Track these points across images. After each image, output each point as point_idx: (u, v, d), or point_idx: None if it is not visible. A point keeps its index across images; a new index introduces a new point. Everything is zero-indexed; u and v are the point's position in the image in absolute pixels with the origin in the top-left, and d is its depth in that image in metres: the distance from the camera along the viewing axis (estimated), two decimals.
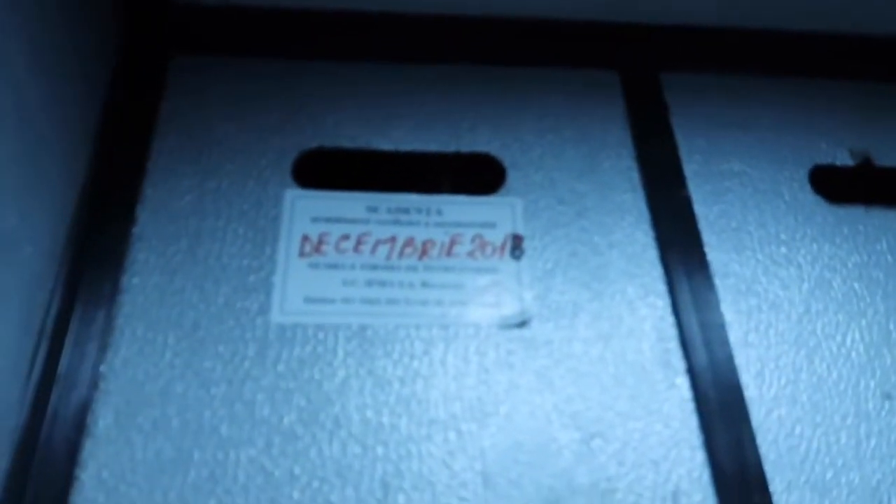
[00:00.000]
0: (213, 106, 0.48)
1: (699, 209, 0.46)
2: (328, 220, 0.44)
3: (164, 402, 0.36)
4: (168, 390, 0.37)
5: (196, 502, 0.34)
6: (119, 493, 0.34)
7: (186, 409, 0.36)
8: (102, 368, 0.37)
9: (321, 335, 0.39)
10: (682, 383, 0.39)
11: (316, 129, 0.48)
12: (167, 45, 0.50)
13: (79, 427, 0.35)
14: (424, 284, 0.42)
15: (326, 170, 0.48)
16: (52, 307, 0.38)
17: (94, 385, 0.36)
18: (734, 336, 0.41)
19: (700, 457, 0.37)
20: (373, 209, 0.45)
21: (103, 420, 0.36)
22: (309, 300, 0.40)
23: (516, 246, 0.44)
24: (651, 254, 0.44)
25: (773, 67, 0.54)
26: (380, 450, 0.36)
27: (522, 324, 0.40)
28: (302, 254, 0.42)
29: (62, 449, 0.34)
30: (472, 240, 0.44)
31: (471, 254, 0.43)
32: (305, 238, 0.43)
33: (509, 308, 0.41)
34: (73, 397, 0.36)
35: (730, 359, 0.39)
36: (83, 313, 0.38)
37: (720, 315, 0.41)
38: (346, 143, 0.48)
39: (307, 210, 0.44)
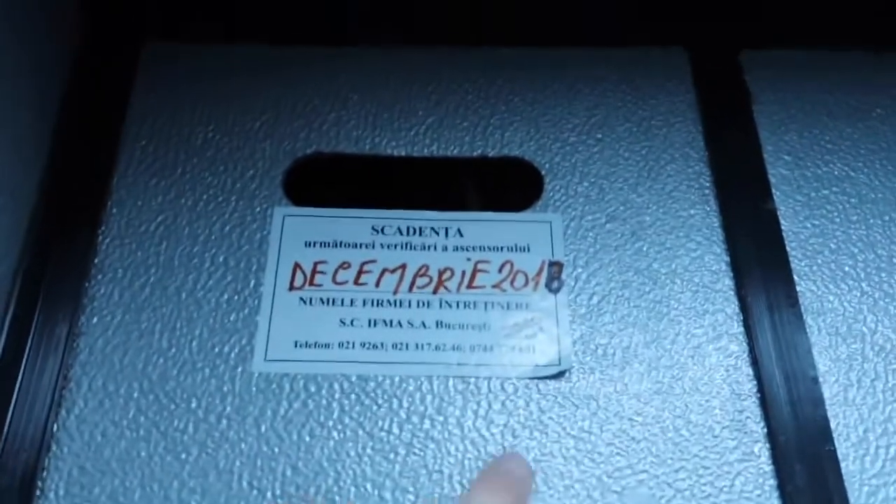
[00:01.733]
0: (191, 105, 0.49)
1: (787, 226, 0.44)
2: (325, 244, 0.43)
3: (126, 470, 0.36)
4: (130, 455, 0.37)
5: None
6: None
7: (152, 479, 0.36)
8: (54, 428, 0.37)
9: (313, 388, 0.39)
10: (762, 453, 0.37)
11: (313, 131, 0.48)
12: (137, 30, 0.51)
13: (25, 499, 0.36)
14: (440, 324, 0.41)
15: (324, 182, 0.47)
16: None
17: (43, 448, 0.37)
18: (830, 392, 0.39)
19: None
20: (379, 230, 0.44)
21: (53, 491, 0.36)
22: (299, 344, 0.40)
23: (555, 275, 0.42)
24: (725, 285, 0.42)
25: (892, 41, 0.51)
26: None
27: (560, 374, 0.39)
28: (292, 286, 0.42)
29: None
30: (501, 267, 0.43)
31: (498, 285, 0.42)
32: (297, 266, 0.43)
33: (544, 354, 0.40)
34: (17, 463, 0.36)
35: (823, 422, 0.37)
36: (32, 362, 0.39)
37: (812, 365, 0.39)
38: (349, 147, 0.47)
39: (300, 232, 0.44)
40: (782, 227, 0.44)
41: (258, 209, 0.45)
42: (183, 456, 0.37)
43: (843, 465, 0.37)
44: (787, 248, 0.43)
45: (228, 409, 0.38)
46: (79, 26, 0.50)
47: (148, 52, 0.51)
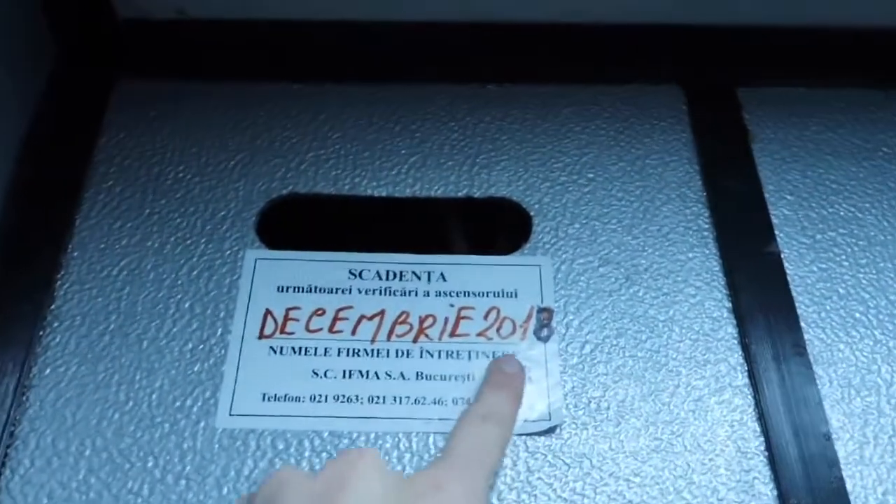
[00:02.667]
0: (162, 143, 0.47)
1: (793, 270, 0.42)
2: (299, 288, 0.41)
3: None
4: None
5: None
6: None
7: None
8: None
9: (281, 445, 0.36)
10: None
11: (289, 170, 0.46)
12: (110, 66, 0.49)
13: None
14: (421, 375, 0.38)
15: (300, 224, 0.46)
16: None
17: None
18: (844, 450, 0.36)
19: None
20: (357, 274, 0.42)
21: None
22: (268, 397, 0.38)
23: (544, 322, 0.40)
24: (727, 333, 0.40)
25: None
26: None
27: (551, 430, 0.37)
28: (262, 334, 0.40)
29: None
30: (486, 314, 0.41)
31: (483, 333, 0.40)
32: (268, 313, 0.40)
33: (533, 408, 0.37)
34: None
35: (839, 484, 0.35)
36: None
37: (824, 420, 0.37)
38: (327, 188, 0.45)
39: (273, 276, 0.42)
40: (787, 271, 0.42)
41: (228, 252, 0.43)
42: None
43: None
44: (793, 294, 0.41)
45: (188, 468, 0.36)
46: (47, 60, 0.49)
47: (119, 88, 0.49)
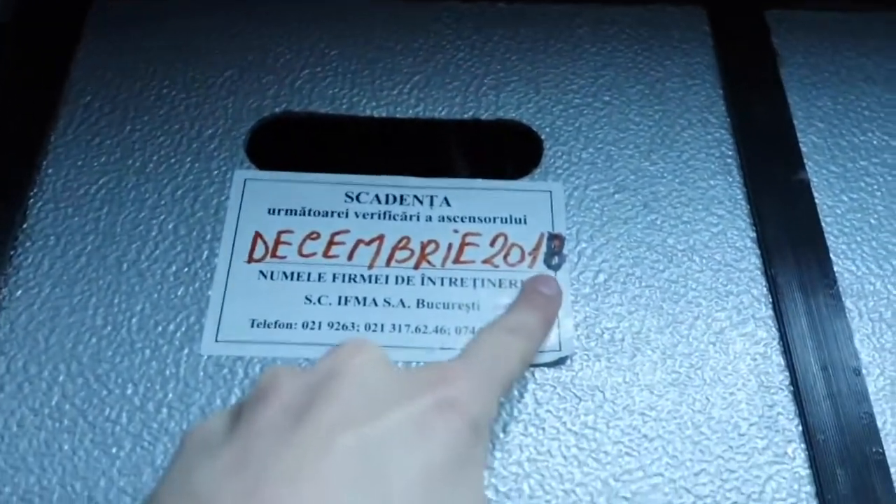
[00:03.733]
0: (145, 57, 0.44)
1: (822, 200, 0.40)
2: (291, 211, 0.39)
3: (44, 466, 0.32)
4: (51, 449, 0.32)
5: None
6: None
7: (75, 477, 0.32)
8: None
9: None
10: (797, 455, 0.33)
11: (283, 88, 0.44)
12: None
13: None
14: (422, 303, 0.36)
15: (293, 144, 0.43)
16: None
17: None
18: (875, 386, 0.34)
19: None
20: (354, 197, 0.39)
21: None
22: (257, 324, 0.36)
23: (555, 250, 0.38)
24: (751, 263, 0.38)
25: None
26: None
27: (561, 362, 0.35)
28: (251, 258, 0.37)
29: None
30: (493, 241, 0.38)
31: (489, 260, 0.38)
32: (258, 236, 0.38)
33: None
34: None
35: (868, 419, 0.33)
36: None
37: (853, 354, 0.35)
38: (323, 107, 0.43)
39: (263, 198, 0.39)
40: (816, 201, 0.40)
41: (216, 172, 0.40)
42: (113, 450, 0.33)
43: (893, 470, 0.32)
44: (822, 224, 0.39)
45: (170, 396, 0.34)
46: None
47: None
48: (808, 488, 0.32)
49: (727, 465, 0.32)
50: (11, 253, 0.37)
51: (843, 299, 0.37)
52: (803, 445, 0.33)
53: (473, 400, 0.24)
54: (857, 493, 0.31)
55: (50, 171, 0.40)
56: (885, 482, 0.32)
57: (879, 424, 0.33)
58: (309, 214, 0.39)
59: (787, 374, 0.35)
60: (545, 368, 0.35)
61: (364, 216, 0.39)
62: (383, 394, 0.23)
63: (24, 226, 0.38)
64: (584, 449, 0.33)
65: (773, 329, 0.36)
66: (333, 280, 0.37)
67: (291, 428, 0.21)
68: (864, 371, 0.35)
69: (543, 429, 0.33)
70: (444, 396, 0.23)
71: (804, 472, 0.32)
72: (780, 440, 0.33)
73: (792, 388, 0.34)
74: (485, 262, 0.38)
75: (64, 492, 0.31)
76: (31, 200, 0.39)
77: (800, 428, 0.33)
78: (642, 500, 0.32)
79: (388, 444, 0.21)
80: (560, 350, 0.35)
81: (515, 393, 0.34)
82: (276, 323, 0.36)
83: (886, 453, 0.32)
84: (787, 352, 0.35)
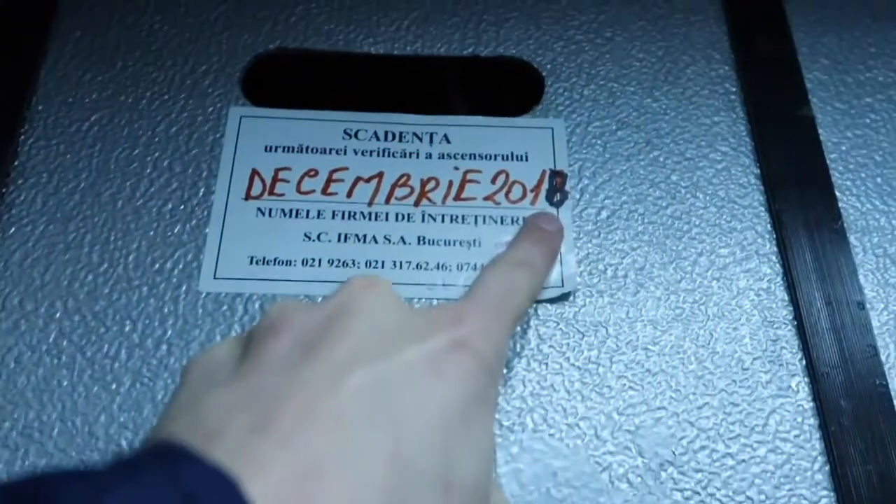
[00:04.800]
0: None
1: (827, 137, 0.39)
2: (289, 148, 0.38)
3: (44, 402, 0.31)
4: (49, 385, 0.32)
5: None
6: None
7: (74, 413, 0.31)
8: None
9: None
10: (801, 388, 0.33)
11: (278, 23, 0.43)
12: None
13: None
14: (422, 240, 0.36)
15: (289, 81, 0.42)
16: None
17: None
18: (879, 320, 0.34)
19: (825, 496, 0.30)
20: (352, 134, 0.39)
21: None
22: (255, 261, 0.35)
23: (557, 187, 0.37)
24: (755, 200, 0.37)
25: None
26: None
27: (563, 297, 0.34)
28: (249, 195, 0.37)
29: None
30: (494, 178, 0.38)
31: (491, 197, 0.37)
32: (255, 173, 0.37)
33: None
34: None
35: (872, 353, 0.33)
36: None
37: (857, 289, 0.35)
38: (319, 43, 0.42)
39: (260, 135, 0.39)
40: (821, 137, 0.39)
41: (211, 109, 0.39)
42: (113, 386, 0.32)
43: None
44: (827, 161, 0.39)
45: (169, 332, 0.33)
46: None
47: None
48: (812, 421, 0.32)
49: (730, 398, 0.32)
50: (3, 191, 0.36)
51: (848, 235, 0.36)
52: (807, 379, 0.33)
53: (486, 340, 0.23)
54: (860, 425, 0.32)
55: (40, 107, 0.39)
56: (888, 414, 0.32)
57: (883, 358, 0.33)
58: (306, 151, 0.38)
59: (791, 308, 0.35)
60: (548, 304, 0.34)
61: (363, 153, 0.38)
62: (395, 332, 0.22)
63: (16, 163, 0.37)
64: (588, 383, 0.33)
65: (777, 265, 0.36)
66: (333, 217, 0.36)
67: (303, 363, 0.20)
68: (868, 305, 0.34)
69: (546, 364, 0.33)
70: (456, 336, 0.23)
71: (808, 405, 0.32)
72: (783, 374, 0.33)
73: (795, 323, 0.34)
74: (486, 199, 0.37)
75: (64, 427, 0.31)
76: (22, 138, 0.38)
77: (803, 362, 0.33)
78: (646, 434, 0.32)
79: (401, 383, 0.21)
80: (563, 286, 0.35)
81: (518, 329, 0.34)
82: (275, 260, 0.35)
83: (890, 385, 0.32)
84: (790, 287, 0.35)
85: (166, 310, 0.34)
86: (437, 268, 0.35)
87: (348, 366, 0.20)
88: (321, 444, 0.18)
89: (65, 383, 0.32)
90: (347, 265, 0.35)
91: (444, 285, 0.35)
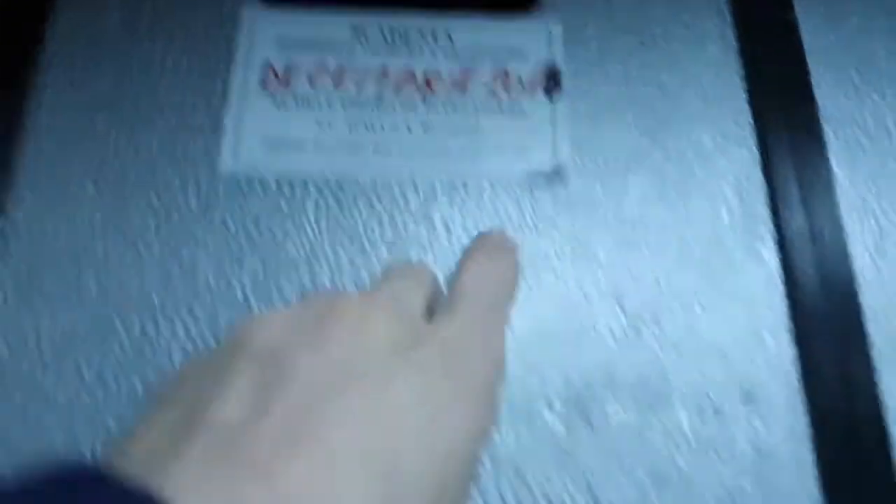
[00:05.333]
0: None
1: (809, 40, 0.42)
2: (301, 44, 0.41)
3: (81, 265, 0.34)
4: (86, 251, 0.35)
5: (119, 380, 0.32)
6: (20, 368, 0.32)
7: (108, 274, 0.34)
8: (1, 223, 0.35)
9: (286, 189, 0.37)
10: (770, 256, 0.36)
11: None
12: None
13: None
14: (427, 128, 0.39)
15: None
16: None
17: None
18: (847, 200, 0.37)
19: (787, 349, 0.34)
20: (360, 31, 0.41)
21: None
22: (271, 144, 0.38)
23: (553, 82, 0.40)
24: (737, 94, 0.40)
25: None
26: None
27: (556, 174, 0.37)
28: (265, 86, 0.39)
29: None
30: (494, 73, 0.40)
31: (491, 91, 0.40)
32: (269, 67, 0.40)
33: (539, 159, 0.38)
34: None
35: (836, 226, 0.36)
36: None
37: (828, 171, 0.37)
38: None
39: (272, 32, 0.41)
40: (803, 41, 0.42)
41: (226, 8, 0.42)
42: (142, 252, 0.35)
43: (856, 267, 0.35)
44: (808, 63, 0.41)
45: (193, 206, 0.36)
46: None
47: None
48: (779, 284, 0.35)
49: (706, 265, 0.36)
50: (32, 80, 0.39)
51: (823, 124, 0.39)
52: (777, 248, 0.36)
53: (491, 347, 0.20)
54: (824, 288, 0.35)
55: (62, 3, 0.41)
56: (848, 279, 0.35)
57: (848, 229, 0.36)
58: (317, 47, 0.41)
59: (766, 188, 0.37)
60: (542, 184, 0.37)
61: (371, 50, 0.41)
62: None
63: (43, 54, 0.40)
64: (578, 252, 0.36)
65: (755, 150, 0.38)
66: (343, 107, 0.39)
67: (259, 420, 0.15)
68: (836, 187, 0.37)
69: (539, 234, 0.36)
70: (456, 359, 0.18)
71: (775, 270, 0.36)
72: (755, 243, 0.36)
73: (770, 200, 0.37)
74: (487, 92, 0.40)
75: (102, 286, 0.34)
76: (48, 31, 0.40)
77: (775, 234, 0.36)
78: (628, 298, 0.35)
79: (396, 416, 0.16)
80: (556, 164, 0.37)
81: (518, 203, 0.37)
82: (289, 143, 0.38)
83: (851, 253, 0.35)
84: (766, 168, 0.38)
85: (190, 187, 0.37)
86: (440, 153, 0.38)
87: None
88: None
89: (99, 252, 0.35)
90: (358, 150, 0.38)
91: (447, 167, 0.38)
